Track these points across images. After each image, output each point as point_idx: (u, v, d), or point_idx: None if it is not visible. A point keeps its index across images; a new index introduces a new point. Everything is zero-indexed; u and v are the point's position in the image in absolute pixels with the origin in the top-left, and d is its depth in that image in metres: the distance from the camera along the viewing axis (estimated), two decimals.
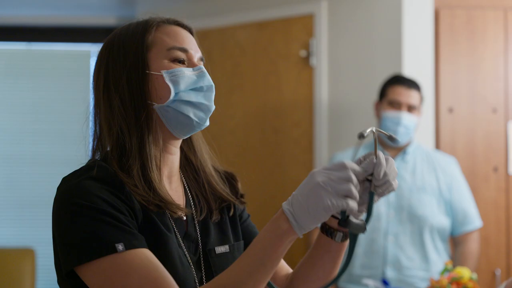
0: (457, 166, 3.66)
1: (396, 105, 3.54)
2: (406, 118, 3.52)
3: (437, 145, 4.01)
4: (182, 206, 1.53)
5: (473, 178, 3.96)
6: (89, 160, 1.54)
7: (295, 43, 4.26)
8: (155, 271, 1.34)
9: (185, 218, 1.53)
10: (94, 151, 1.57)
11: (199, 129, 1.54)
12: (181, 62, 1.54)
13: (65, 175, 1.48)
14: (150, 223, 1.44)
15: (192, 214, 1.56)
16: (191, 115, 1.50)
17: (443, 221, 3.54)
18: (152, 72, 1.51)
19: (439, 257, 3.52)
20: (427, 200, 3.53)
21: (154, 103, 1.50)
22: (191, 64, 1.55)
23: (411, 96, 3.54)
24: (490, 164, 4.04)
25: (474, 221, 3.61)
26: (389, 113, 3.53)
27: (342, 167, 1.28)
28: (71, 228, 1.37)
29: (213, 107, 1.54)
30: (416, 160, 3.60)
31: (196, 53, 1.57)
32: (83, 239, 1.35)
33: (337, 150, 3.94)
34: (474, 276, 3.13)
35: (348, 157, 3.66)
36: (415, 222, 3.52)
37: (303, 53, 4.22)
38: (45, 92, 5.16)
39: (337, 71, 4.14)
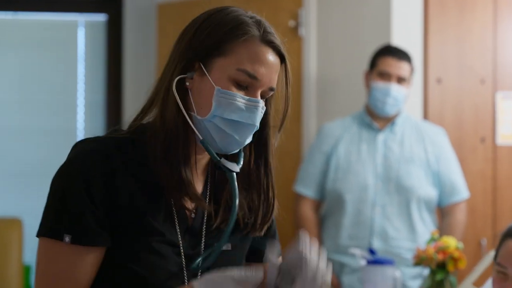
0: (445, 137, 3.67)
1: (386, 77, 3.54)
2: (395, 89, 3.51)
3: (425, 116, 4.01)
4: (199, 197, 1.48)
5: (461, 148, 3.97)
6: (114, 129, 1.53)
7: (284, 13, 4.24)
8: (69, 278, 1.38)
9: (193, 214, 1.49)
10: (140, 115, 1.53)
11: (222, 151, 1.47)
12: (244, 88, 1.44)
13: (54, 144, 1.51)
14: (137, 212, 1.43)
15: (204, 211, 1.51)
16: (217, 143, 1.44)
17: (430, 192, 3.55)
18: (208, 79, 1.44)
19: (425, 228, 3.53)
20: (415, 171, 3.54)
21: (192, 112, 1.44)
22: (252, 93, 1.45)
23: (401, 68, 3.53)
24: (478, 135, 4.05)
25: (462, 192, 3.62)
26: (378, 84, 3.53)
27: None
28: (47, 202, 1.44)
29: (244, 144, 1.46)
30: (404, 131, 3.61)
31: (265, 85, 1.45)
32: (46, 215, 1.42)
33: (325, 121, 3.93)
34: (460, 245, 3.15)
35: (336, 128, 3.66)
36: (402, 193, 3.53)
37: (292, 23, 4.20)
38: (31, 62, 5.12)
39: (326, 41, 4.13)
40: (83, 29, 5.08)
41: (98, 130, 4.95)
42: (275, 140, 1.54)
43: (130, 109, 4.71)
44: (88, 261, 1.40)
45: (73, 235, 1.37)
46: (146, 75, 4.61)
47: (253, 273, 1.35)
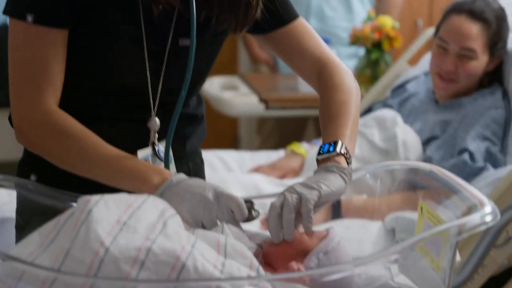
0: None
1: None
2: None
3: None
4: None
5: None
6: None
7: None
8: (38, 62, 1.31)
9: (161, 6, 1.36)
10: None
11: None
12: None
13: None
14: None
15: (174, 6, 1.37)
16: None
17: None
18: None
19: (363, 8, 3.51)
20: None
21: None
22: None
23: None
24: None
25: None
26: None
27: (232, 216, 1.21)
28: None
29: None
30: None
31: None
32: None
33: None
34: (396, 25, 3.16)
35: None
36: None
37: None
38: None
39: None
40: None
41: None
42: None
43: None
44: (55, 44, 1.32)
45: (35, 14, 1.30)
46: None
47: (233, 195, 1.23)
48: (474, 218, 1.08)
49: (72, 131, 1.31)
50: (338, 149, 1.29)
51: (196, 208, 1.20)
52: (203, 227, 1.20)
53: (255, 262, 1.08)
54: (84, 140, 1.30)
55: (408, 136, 2.41)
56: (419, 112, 2.50)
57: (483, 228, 1.08)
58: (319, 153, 1.30)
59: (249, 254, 1.10)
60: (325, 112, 1.40)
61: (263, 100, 3.14)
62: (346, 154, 1.29)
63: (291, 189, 1.22)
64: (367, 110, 2.68)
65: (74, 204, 1.30)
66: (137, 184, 1.26)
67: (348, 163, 1.29)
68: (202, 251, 1.04)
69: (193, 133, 1.50)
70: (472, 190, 1.18)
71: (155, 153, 1.40)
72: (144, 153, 1.38)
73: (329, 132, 1.35)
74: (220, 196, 1.21)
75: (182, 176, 1.25)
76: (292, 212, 1.19)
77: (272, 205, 1.20)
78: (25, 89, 1.33)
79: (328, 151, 1.29)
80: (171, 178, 1.24)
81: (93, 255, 0.99)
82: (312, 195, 1.20)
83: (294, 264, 1.14)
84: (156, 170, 1.27)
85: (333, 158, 1.28)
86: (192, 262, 1.01)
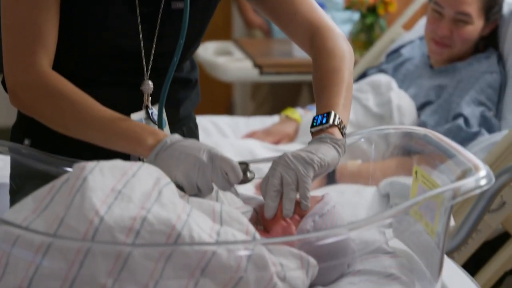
0: None
1: None
2: None
3: None
4: None
5: None
6: None
7: None
8: (31, 24, 1.29)
9: None
10: None
11: None
12: None
13: None
14: None
15: None
16: None
17: None
18: None
19: None
20: None
21: None
22: None
23: None
24: None
25: None
26: None
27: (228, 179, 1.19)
28: None
29: None
30: None
31: None
32: None
33: None
34: None
35: None
36: None
37: None
38: None
39: None
40: None
41: None
42: None
43: None
44: (47, 6, 1.30)
45: None
46: None
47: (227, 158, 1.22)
48: (468, 182, 1.08)
49: (66, 92, 1.29)
50: (331, 121, 1.27)
51: (190, 170, 1.18)
52: (198, 189, 1.19)
53: (251, 228, 1.08)
54: (78, 102, 1.28)
55: (402, 101, 2.41)
56: (414, 77, 2.49)
57: (477, 192, 1.08)
58: (312, 125, 1.29)
59: (245, 221, 1.09)
60: (317, 80, 1.38)
61: (257, 66, 3.12)
62: (340, 124, 1.28)
63: (285, 163, 1.20)
64: (362, 75, 2.67)
65: (68, 169, 1.30)
66: (132, 145, 1.25)
67: (342, 134, 1.28)
68: (198, 220, 1.03)
69: (186, 97, 1.49)
70: (467, 154, 1.17)
71: (148, 116, 1.39)
72: (137, 116, 1.37)
73: (322, 102, 1.33)
74: (215, 158, 1.19)
75: (177, 137, 1.24)
76: (294, 193, 1.18)
77: (271, 183, 1.18)
78: (18, 51, 1.31)
79: (321, 122, 1.28)
80: (165, 139, 1.22)
81: (88, 224, 0.98)
82: (308, 173, 1.19)
83: (293, 228, 1.15)
84: (150, 131, 1.25)
85: (327, 130, 1.27)
86: (187, 232, 1.00)
